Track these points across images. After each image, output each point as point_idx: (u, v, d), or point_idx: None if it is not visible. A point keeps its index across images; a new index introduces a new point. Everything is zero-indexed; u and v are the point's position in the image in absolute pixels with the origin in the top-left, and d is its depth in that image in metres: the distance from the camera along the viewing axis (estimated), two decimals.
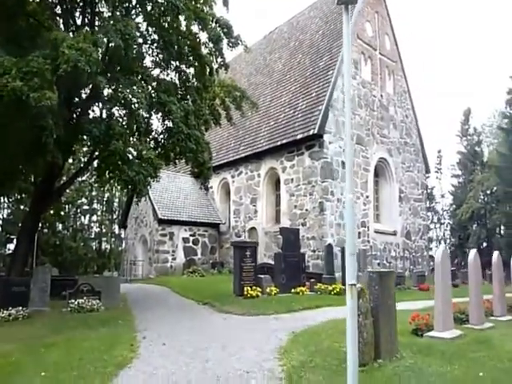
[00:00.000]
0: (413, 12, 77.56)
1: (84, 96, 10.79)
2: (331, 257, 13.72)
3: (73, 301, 9.33)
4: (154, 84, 11.07)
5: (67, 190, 35.51)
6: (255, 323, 7.85)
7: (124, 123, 10.04)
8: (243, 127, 23.19)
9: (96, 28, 8.74)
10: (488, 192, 40.10)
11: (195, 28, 12.04)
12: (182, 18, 11.43)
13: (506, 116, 32.03)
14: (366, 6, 21.23)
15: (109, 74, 9.53)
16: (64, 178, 16.31)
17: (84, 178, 36.09)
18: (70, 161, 27.82)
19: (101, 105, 10.41)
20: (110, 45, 8.77)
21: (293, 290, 11.63)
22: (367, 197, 20.12)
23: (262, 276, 11.21)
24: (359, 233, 19.32)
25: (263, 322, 8.01)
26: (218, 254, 22.63)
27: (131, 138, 10.28)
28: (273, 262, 15.53)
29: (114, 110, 10.26)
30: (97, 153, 11.59)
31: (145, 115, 10.74)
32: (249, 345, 6.09)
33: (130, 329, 7.52)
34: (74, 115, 10.16)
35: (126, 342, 6.37)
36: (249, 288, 10.55)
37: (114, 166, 10.46)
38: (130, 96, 8.96)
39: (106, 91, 9.82)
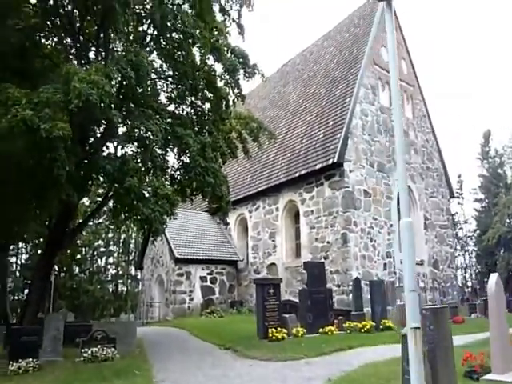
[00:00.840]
0: (423, 27, 78.47)
1: (98, 133, 10.54)
2: (359, 292, 12.82)
3: (86, 350, 8.64)
4: (169, 119, 10.78)
5: (83, 233, 35.59)
6: (285, 370, 7.02)
7: (139, 159, 9.65)
8: (259, 161, 22.82)
9: (108, 61, 8.49)
10: (510, 215, 38.64)
11: (210, 61, 11.88)
12: (196, 49, 11.27)
13: None
14: (381, 32, 21.06)
15: (123, 109, 9.24)
16: (79, 220, 15.94)
17: (100, 220, 36.03)
18: (86, 203, 27.80)
19: (115, 141, 10.06)
20: (123, 78, 8.48)
21: (321, 330, 10.73)
22: (391, 225, 19.24)
23: (287, 315, 10.39)
24: (385, 264, 18.36)
25: (293, 368, 7.17)
26: (237, 293, 21.74)
27: (146, 176, 9.87)
28: (295, 299, 14.70)
29: (129, 145, 9.92)
30: (111, 192, 11.25)
31: (160, 151, 10.41)
32: None
33: (147, 380, 6.78)
34: (88, 153, 9.80)
35: None
36: (273, 329, 9.72)
37: (129, 205, 10.03)
38: (145, 130, 8.60)
39: (121, 128, 9.63)
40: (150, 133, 8.59)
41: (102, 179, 10.09)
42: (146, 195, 9.54)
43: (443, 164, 24.04)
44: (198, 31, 9.44)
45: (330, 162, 17.24)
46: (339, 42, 24.39)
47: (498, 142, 50.54)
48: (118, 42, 11.31)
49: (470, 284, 43.82)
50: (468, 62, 77.41)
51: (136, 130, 8.87)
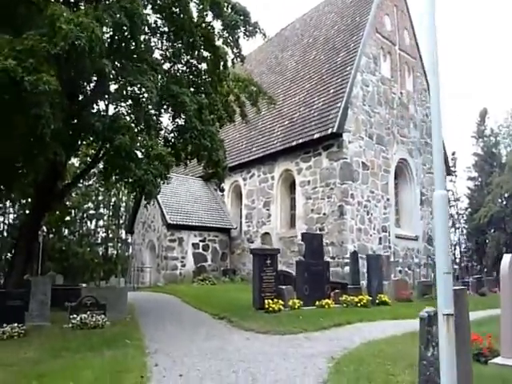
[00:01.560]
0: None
1: (88, 89, 9.77)
2: (357, 265, 12.61)
3: (75, 316, 8.29)
4: (165, 76, 10.04)
5: (73, 195, 34.94)
6: (284, 345, 6.75)
7: (131, 118, 8.98)
8: (255, 128, 22.16)
9: (99, 6, 7.71)
10: (506, 195, 38.76)
11: (208, 18, 11.07)
12: (194, 4, 10.48)
13: None
14: (384, 0, 20.15)
15: (115, 63, 8.49)
16: (68, 181, 15.29)
17: (90, 182, 35.29)
18: (76, 163, 27.03)
19: (106, 99, 9.30)
20: (116, 26, 7.71)
21: (317, 303, 10.52)
22: (388, 200, 18.98)
23: (284, 287, 10.12)
24: (380, 238, 18.20)
25: (293, 343, 6.91)
26: (229, 261, 21.55)
27: (139, 135, 9.19)
28: (289, 270, 14.48)
29: (121, 103, 9.21)
30: (102, 152, 10.63)
31: (154, 111, 9.74)
32: (284, 376, 5.01)
33: (139, 351, 6.46)
34: (77, 110, 9.06)
35: (136, 371, 5.32)
36: (270, 301, 9.46)
37: (121, 166, 9.47)
38: (139, 86, 7.93)
39: (112, 86, 8.89)
40: (144, 89, 7.91)
41: (91, 138, 9.39)
42: (139, 156, 8.94)
43: (441, 140, 23.57)
44: None
45: (329, 131, 16.72)
46: (340, 8, 23.38)
47: (493, 121, 50.04)
48: None
49: (458, 261, 44.30)
50: (483, 62, 75.93)
51: (129, 87, 8.15)
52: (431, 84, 3.38)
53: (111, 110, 9.49)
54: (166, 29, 11.27)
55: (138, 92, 8.20)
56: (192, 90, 10.36)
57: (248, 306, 10.21)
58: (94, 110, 9.16)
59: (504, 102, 68.64)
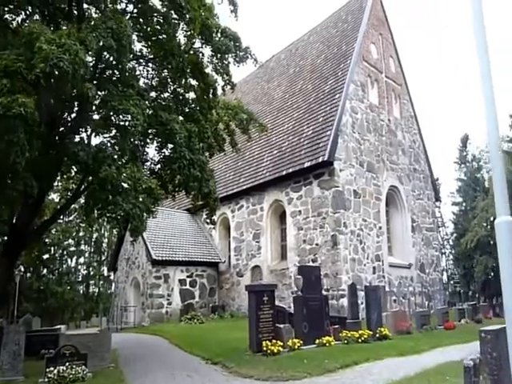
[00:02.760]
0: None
1: (69, 116, 9.13)
2: (355, 298, 11.91)
3: (52, 369, 7.35)
4: (152, 103, 9.51)
5: (52, 231, 33.66)
6: None
7: (116, 147, 8.32)
8: (242, 158, 21.74)
9: (83, 27, 7.18)
10: (492, 219, 38.82)
11: (197, 44, 10.71)
12: (181, 32, 10.12)
13: (511, 140, 31.11)
14: (370, 28, 20.36)
15: (100, 88, 7.89)
16: (46, 217, 14.37)
17: (70, 218, 34.16)
18: (56, 199, 26.01)
19: (89, 126, 8.62)
20: (102, 48, 7.18)
21: (317, 341, 9.74)
22: (380, 228, 18.53)
23: (282, 326, 9.33)
24: (374, 267, 17.60)
25: None
26: (218, 296, 20.59)
27: (125, 167, 8.52)
28: (283, 305, 13.73)
29: (105, 132, 8.57)
30: (84, 185, 9.90)
31: (139, 140, 9.14)
32: None
33: None
34: (57, 138, 8.37)
35: None
36: (268, 342, 8.66)
37: (104, 201, 8.79)
38: (124, 112, 7.33)
39: (95, 116, 8.29)
40: (129, 116, 7.34)
41: (73, 169, 8.66)
42: (125, 188, 8.25)
43: (429, 166, 23.60)
44: (186, 2, 8.22)
45: (320, 159, 16.34)
46: (326, 37, 23.62)
47: (475, 146, 51.02)
48: (93, 12, 9.94)
49: (447, 287, 43.82)
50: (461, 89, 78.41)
51: (114, 114, 7.53)
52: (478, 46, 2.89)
53: (94, 140, 8.85)
54: (152, 56, 10.90)
55: (124, 119, 7.60)
56: (180, 118, 9.82)
57: (243, 347, 9.37)
58: (77, 139, 8.49)
59: (484, 127, 70.14)
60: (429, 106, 66.81)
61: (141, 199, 8.18)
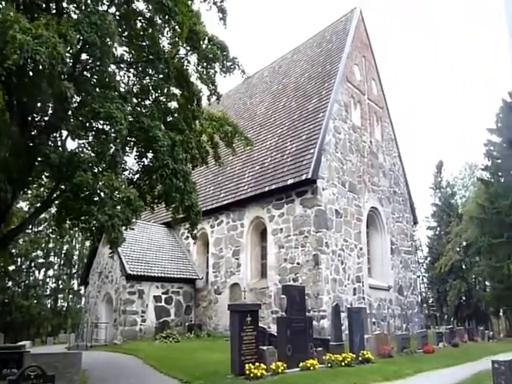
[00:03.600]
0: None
1: (44, 115, 8.50)
2: (339, 320, 11.58)
3: None
4: (135, 107, 9.05)
5: (20, 242, 32.20)
6: None
7: (95, 151, 7.77)
8: (223, 173, 21.41)
9: (61, 19, 6.71)
10: (464, 244, 39.47)
11: (182, 50, 10.38)
12: (164, 38, 9.76)
13: (487, 168, 31.82)
14: (354, 50, 20.58)
15: (79, 87, 7.34)
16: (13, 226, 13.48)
17: (40, 228, 32.80)
18: (24, 207, 24.93)
19: (65, 127, 7.99)
20: (84, 44, 6.72)
21: (301, 364, 9.32)
22: (361, 249, 18.38)
23: (265, 348, 8.88)
24: (354, 289, 17.36)
25: None
26: (194, 314, 19.90)
27: (103, 173, 7.96)
28: (263, 325, 13.24)
29: (83, 136, 8.02)
30: (56, 193, 9.27)
31: (120, 146, 8.61)
32: None
33: None
34: (29, 139, 7.72)
35: None
36: (251, 365, 8.18)
37: (78, 210, 8.24)
38: (106, 115, 6.86)
39: (74, 111, 7.72)
40: (112, 119, 6.86)
41: (45, 174, 7.99)
42: (102, 197, 7.69)
43: (408, 189, 23.80)
44: (174, 4, 7.87)
45: (304, 177, 16.15)
46: (310, 56, 23.78)
47: (449, 173, 52.33)
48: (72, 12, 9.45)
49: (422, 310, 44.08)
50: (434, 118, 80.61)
51: (94, 116, 7.03)
52: None
53: (72, 144, 8.28)
54: (134, 61, 10.45)
55: (105, 123, 7.13)
56: (163, 127, 9.39)
57: (223, 370, 8.84)
58: (51, 142, 7.90)
59: (458, 155, 72.33)
60: (407, 130, 68.36)
61: (119, 209, 7.63)
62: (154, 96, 11.03)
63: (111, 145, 7.44)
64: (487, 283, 37.83)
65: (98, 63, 7.31)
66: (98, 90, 7.63)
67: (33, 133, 7.54)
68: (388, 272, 20.12)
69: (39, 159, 7.28)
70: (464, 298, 39.81)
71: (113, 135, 6.90)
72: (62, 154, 7.06)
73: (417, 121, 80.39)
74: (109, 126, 7.04)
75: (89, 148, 7.82)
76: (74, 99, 6.50)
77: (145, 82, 10.80)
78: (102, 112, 6.77)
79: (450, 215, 43.30)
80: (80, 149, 7.58)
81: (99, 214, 7.27)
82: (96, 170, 7.60)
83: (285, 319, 9.52)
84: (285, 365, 8.80)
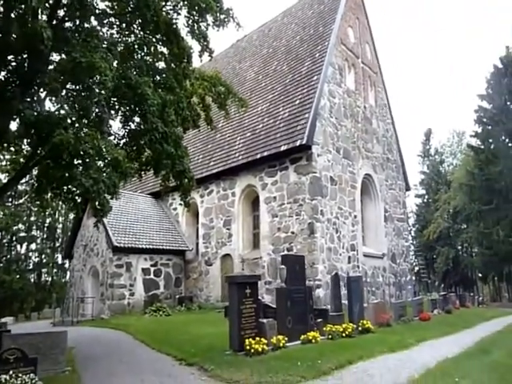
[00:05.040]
0: None
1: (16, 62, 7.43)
2: (339, 289, 11.12)
3: None
4: (120, 63, 8.05)
5: (0, 215, 31.03)
6: None
7: (76, 107, 6.84)
8: (213, 140, 20.56)
9: None
10: (452, 211, 39.63)
11: (170, 2, 9.34)
12: None
13: (477, 134, 31.47)
14: (348, 11, 19.54)
15: (57, 34, 6.34)
16: None
17: (21, 201, 31.60)
18: (3, 179, 23.75)
19: (41, 77, 6.93)
20: None
21: (302, 337, 8.86)
22: (355, 217, 17.93)
23: (265, 321, 8.36)
24: (349, 257, 17.01)
25: None
26: (184, 287, 19.40)
27: (89, 131, 7.04)
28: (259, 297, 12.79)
29: (63, 87, 7.04)
30: (35, 159, 8.38)
31: (104, 104, 7.68)
32: None
33: None
34: (1, 96, 6.74)
35: None
36: (251, 340, 7.66)
37: (59, 179, 7.42)
38: (88, 65, 5.96)
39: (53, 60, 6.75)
40: (95, 71, 5.95)
41: (19, 133, 7.02)
42: (86, 159, 6.82)
43: (401, 156, 23.33)
44: None
45: (298, 143, 15.42)
46: (301, 18, 22.65)
47: (438, 140, 52.11)
48: None
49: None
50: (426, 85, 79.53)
51: (75, 67, 6.08)
52: None
53: (51, 106, 7.27)
54: (116, 19, 9.38)
55: (87, 74, 6.21)
56: (152, 84, 8.46)
57: (220, 345, 8.32)
58: (26, 98, 6.92)
59: (447, 122, 72.16)
60: (396, 96, 67.60)
61: (105, 174, 6.83)
62: (140, 55, 10.05)
63: (95, 100, 6.53)
64: (475, 250, 38.24)
65: (78, 13, 6.31)
66: (78, 38, 6.65)
67: (3, 86, 6.56)
68: (382, 240, 19.84)
69: (11, 116, 6.33)
70: (452, 264, 40.27)
71: (96, 89, 6.01)
72: (39, 111, 6.15)
73: (405, 87, 79.53)
74: (91, 79, 6.13)
75: (69, 104, 6.87)
76: (51, 44, 5.57)
77: (130, 40, 9.77)
78: (84, 62, 5.87)
79: (438, 183, 43.32)
80: (59, 105, 6.65)
81: (83, 178, 6.45)
82: (79, 129, 6.72)
83: (284, 290, 8.99)
84: (285, 338, 8.32)
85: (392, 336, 10.48)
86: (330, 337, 9.61)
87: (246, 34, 27.34)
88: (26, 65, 6.55)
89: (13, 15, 5.08)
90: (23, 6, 4.63)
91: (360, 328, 10.71)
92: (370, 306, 12.78)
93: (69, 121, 6.41)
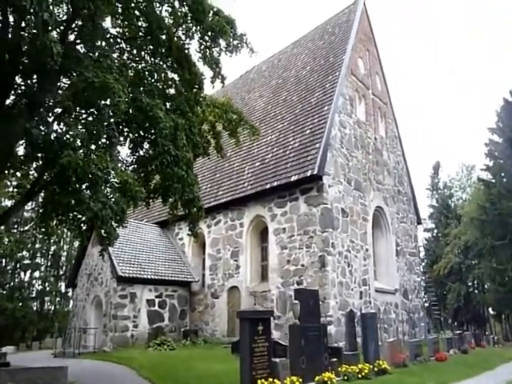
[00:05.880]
0: None
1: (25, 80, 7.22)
2: (354, 327, 10.56)
3: None
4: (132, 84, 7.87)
5: (5, 242, 30.71)
6: None
7: (86, 128, 6.58)
8: (221, 170, 20.36)
9: None
10: (462, 246, 38.72)
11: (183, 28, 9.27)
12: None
13: (488, 168, 31.11)
14: (358, 42, 19.68)
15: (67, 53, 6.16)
16: None
17: (26, 228, 31.35)
18: (8, 203, 23.55)
19: (51, 97, 6.70)
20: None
21: (317, 378, 8.29)
22: (367, 250, 17.41)
23: (278, 360, 7.82)
24: (361, 292, 16.38)
25: None
26: (189, 319, 18.72)
27: (97, 153, 6.76)
28: None
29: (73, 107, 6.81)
30: (41, 184, 8.10)
31: (115, 128, 7.45)
32: None
33: None
34: (5, 111, 6.48)
35: None
36: (263, 380, 7.11)
37: (65, 205, 7.12)
38: (101, 86, 5.75)
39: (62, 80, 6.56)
40: (107, 91, 5.73)
41: (24, 154, 6.72)
42: (94, 182, 6.49)
43: (412, 189, 22.99)
44: None
45: (309, 173, 15.12)
46: (311, 49, 22.86)
47: (446, 174, 51.76)
48: None
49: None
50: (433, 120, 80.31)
51: (87, 88, 5.88)
52: None
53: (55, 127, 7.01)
54: (127, 45, 9.32)
55: (100, 94, 5.99)
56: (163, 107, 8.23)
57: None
58: (34, 117, 6.68)
59: (455, 156, 72.06)
60: (403, 128, 67.80)
61: (113, 198, 6.51)
62: (150, 82, 9.94)
63: (105, 123, 6.30)
64: (486, 286, 37.11)
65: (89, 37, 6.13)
66: (89, 58, 6.48)
67: (12, 107, 6.33)
68: (394, 274, 19.20)
69: (18, 136, 6.08)
70: (463, 301, 39.04)
71: (108, 111, 5.77)
72: (47, 131, 5.91)
73: (412, 120, 80.00)
74: (104, 101, 5.90)
75: (78, 126, 6.63)
76: (62, 66, 5.36)
77: (140, 66, 9.69)
78: (97, 82, 5.67)
79: (448, 217, 42.63)
80: (68, 127, 6.40)
81: (91, 202, 6.13)
82: (87, 151, 6.45)
83: (298, 327, 8.47)
84: (300, 379, 7.75)
85: (411, 378, 9.88)
86: (345, 378, 9.06)
87: (254, 65, 27.74)
88: (34, 85, 6.36)
89: (23, 29, 4.88)
90: (34, 19, 4.45)
91: (376, 369, 10.11)
92: (385, 345, 12.17)
93: (78, 142, 6.14)
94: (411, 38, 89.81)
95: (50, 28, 4.95)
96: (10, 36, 5.81)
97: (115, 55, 9.58)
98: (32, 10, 4.39)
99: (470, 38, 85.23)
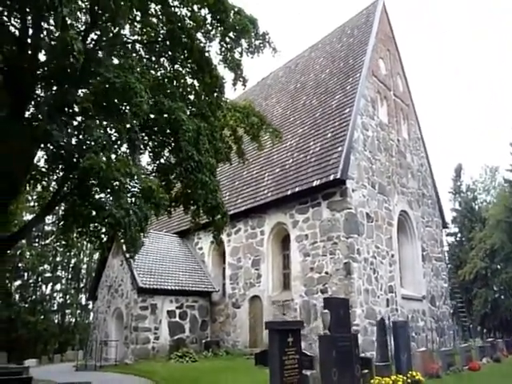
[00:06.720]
0: None
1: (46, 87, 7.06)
2: (385, 336, 10.04)
3: None
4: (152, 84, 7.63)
5: (27, 255, 30.96)
6: None
7: (111, 131, 6.36)
8: (240, 177, 20.08)
9: None
10: (488, 250, 37.50)
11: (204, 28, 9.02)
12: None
13: None
14: (378, 43, 19.26)
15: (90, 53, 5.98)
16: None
17: (47, 242, 31.55)
18: (29, 216, 23.65)
19: (73, 99, 6.51)
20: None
21: None
22: (392, 256, 16.82)
23: (309, 373, 7.41)
24: (387, 300, 15.79)
25: None
26: (210, 330, 18.34)
27: (118, 158, 6.52)
28: None
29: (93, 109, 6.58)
30: (62, 193, 7.91)
31: (136, 133, 7.21)
32: None
33: None
34: (22, 113, 6.25)
35: None
36: None
37: (86, 216, 6.90)
38: (123, 87, 5.53)
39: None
40: (129, 92, 5.49)
41: (45, 156, 6.52)
42: (116, 187, 6.24)
43: (436, 192, 22.26)
44: None
45: (332, 177, 14.69)
46: (330, 52, 22.53)
47: (469, 176, 50.51)
48: None
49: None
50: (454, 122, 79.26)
51: (109, 88, 5.67)
52: None
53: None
54: (145, 52, 9.13)
55: (121, 95, 5.76)
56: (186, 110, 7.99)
57: None
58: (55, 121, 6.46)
59: (478, 158, 70.56)
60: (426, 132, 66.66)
61: (136, 205, 6.23)
62: (169, 88, 9.73)
63: (128, 125, 6.05)
64: None
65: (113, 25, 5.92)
66: (110, 58, 6.28)
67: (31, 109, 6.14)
68: (420, 281, 18.53)
69: (38, 140, 5.87)
70: (490, 307, 37.71)
71: (130, 112, 5.52)
72: (68, 133, 5.69)
73: (432, 122, 78.71)
74: (125, 102, 5.66)
75: (100, 128, 6.39)
76: (83, 68, 5.16)
77: (159, 73, 9.49)
78: (118, 82, 5.43)
79: (472, 220, 41.40)
80: (89, 129, 6.16)
81: (114, 209, 5.86)
82: (110, 154, 6.21)
83: (329, 338, 8.01)
84: None
85: None
86: None
87: (270, 71, 27.52)
88: (54, 93, 6.16)
89: (42, 30, 4.68)
90: (53, 16, 4.25)
91: (409, 380, 9.58)
92: (417, 355, 11.57)
93: (99, 145, 5.90)
94: (412, 39, 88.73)
95: (69, 27, 4.74)
96: (29, 41, 5.62)
97: (134, 63, 9.45)
98: (51, 5, 4.18)
99: (475, 38, 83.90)
